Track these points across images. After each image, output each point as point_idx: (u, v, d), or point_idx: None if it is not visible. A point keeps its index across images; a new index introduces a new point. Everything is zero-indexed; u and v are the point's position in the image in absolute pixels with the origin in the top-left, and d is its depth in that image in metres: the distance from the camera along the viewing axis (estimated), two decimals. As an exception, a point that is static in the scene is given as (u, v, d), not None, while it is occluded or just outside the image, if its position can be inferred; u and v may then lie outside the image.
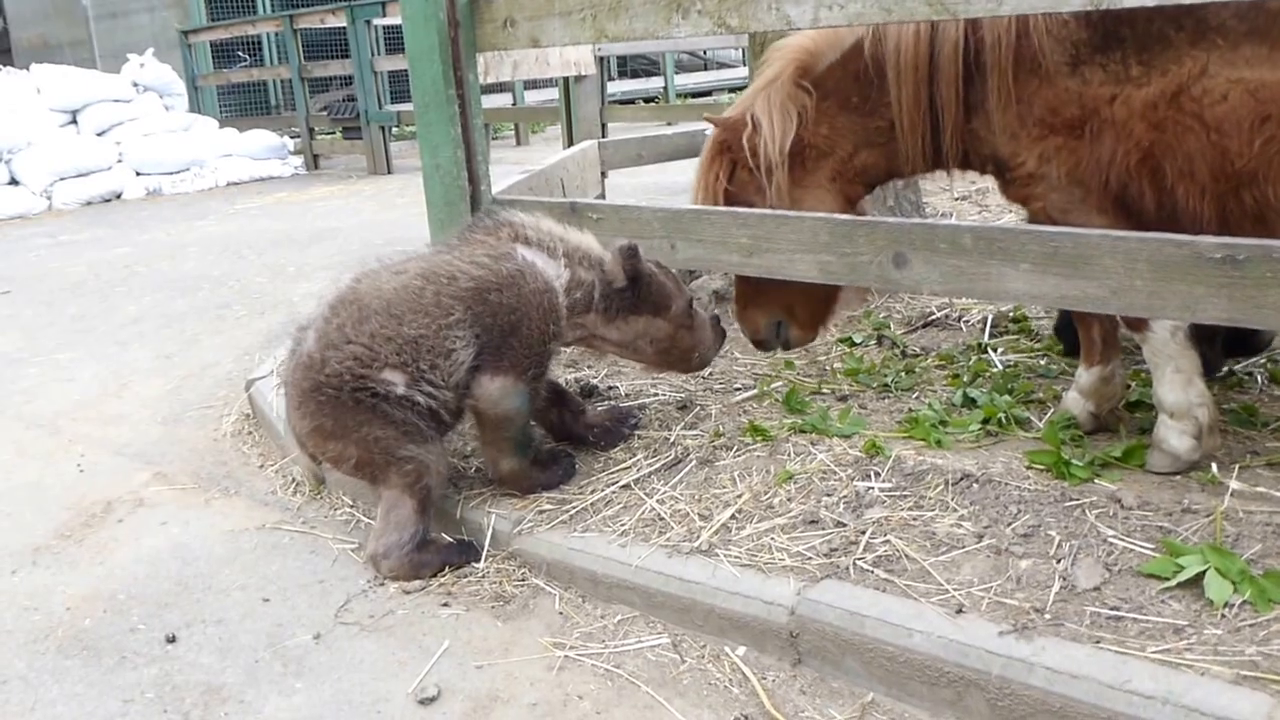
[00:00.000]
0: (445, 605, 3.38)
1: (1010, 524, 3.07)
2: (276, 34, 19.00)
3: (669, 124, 14.58)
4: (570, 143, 7.15)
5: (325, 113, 17.46)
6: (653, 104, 20.44)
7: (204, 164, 15.73)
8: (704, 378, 4.42)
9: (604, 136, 10.43)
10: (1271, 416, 3.65)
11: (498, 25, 4.24)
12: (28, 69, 16.06)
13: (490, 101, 18.04)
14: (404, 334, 3.47)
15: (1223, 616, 2.62)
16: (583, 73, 6.81)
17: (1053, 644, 2.61)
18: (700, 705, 2.84)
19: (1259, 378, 4.02)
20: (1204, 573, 2.71)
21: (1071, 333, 4.14)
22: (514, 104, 18.86)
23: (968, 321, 4.86)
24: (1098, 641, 2.59)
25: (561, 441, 3.95)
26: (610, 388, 4.39)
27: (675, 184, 10.65)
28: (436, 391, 3.51)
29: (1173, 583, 2.74)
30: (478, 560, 3.53)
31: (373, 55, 15.66)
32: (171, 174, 15.38)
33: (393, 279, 3.61)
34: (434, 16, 4.27)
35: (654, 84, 22.43)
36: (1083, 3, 2.80)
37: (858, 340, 4.76)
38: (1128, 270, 2.91)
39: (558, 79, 7.14)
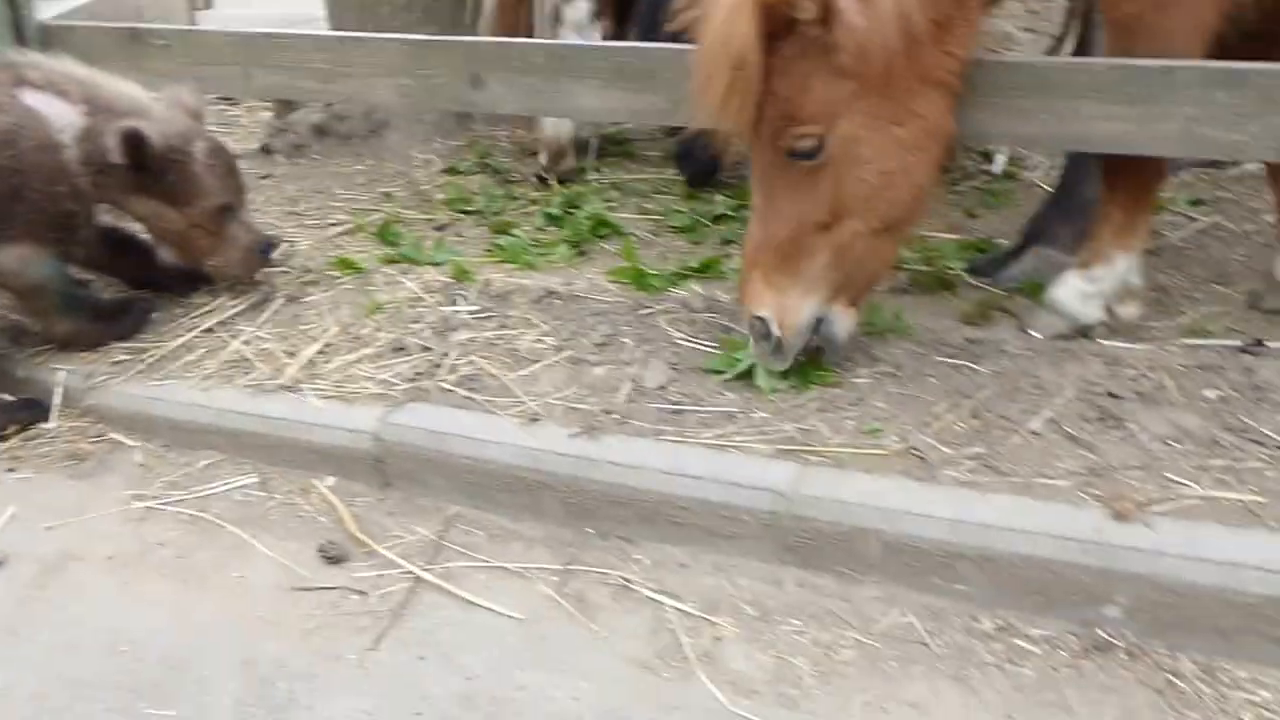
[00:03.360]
0: (11, 470, 3.21)
1: (588, 335, 3.20)
2: None
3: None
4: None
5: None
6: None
7: None
8: (295, 214, 4.31)
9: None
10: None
11: None
12: None
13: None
14: None
15: (770, 401, 2.85)
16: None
17: (618, 441, 2.77)
18: (287, 538, 2.85)
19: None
20: (755, 365, 2.92)
21: (693, 162, 4.22)
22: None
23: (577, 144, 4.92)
24: (659, 434, 2.77)
25: (144, 289, 3.74)
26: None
27: (291, 14, 10.10)
28: None
29: (729, 375, 2.94)
30: (46, 419, 3.33)
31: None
32: None
33: None
34: None
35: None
36: None
37: (461, 169, 4.74)
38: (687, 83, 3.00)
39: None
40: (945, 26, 2.59)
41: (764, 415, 2.80)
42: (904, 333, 3.04)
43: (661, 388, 2.96)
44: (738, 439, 2.72)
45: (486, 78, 3.29)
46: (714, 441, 2.72)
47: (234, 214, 3.52)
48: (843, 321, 2.83)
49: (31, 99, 3.27)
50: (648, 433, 2.79)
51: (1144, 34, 2.74)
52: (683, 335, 3.15)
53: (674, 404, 2.89)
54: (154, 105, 3.40)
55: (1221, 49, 2.77)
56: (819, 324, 2.81)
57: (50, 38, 3.92)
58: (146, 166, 3.28)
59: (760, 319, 2.79)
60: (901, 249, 2.97)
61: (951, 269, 3.43)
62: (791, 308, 2.76)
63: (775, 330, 2.78)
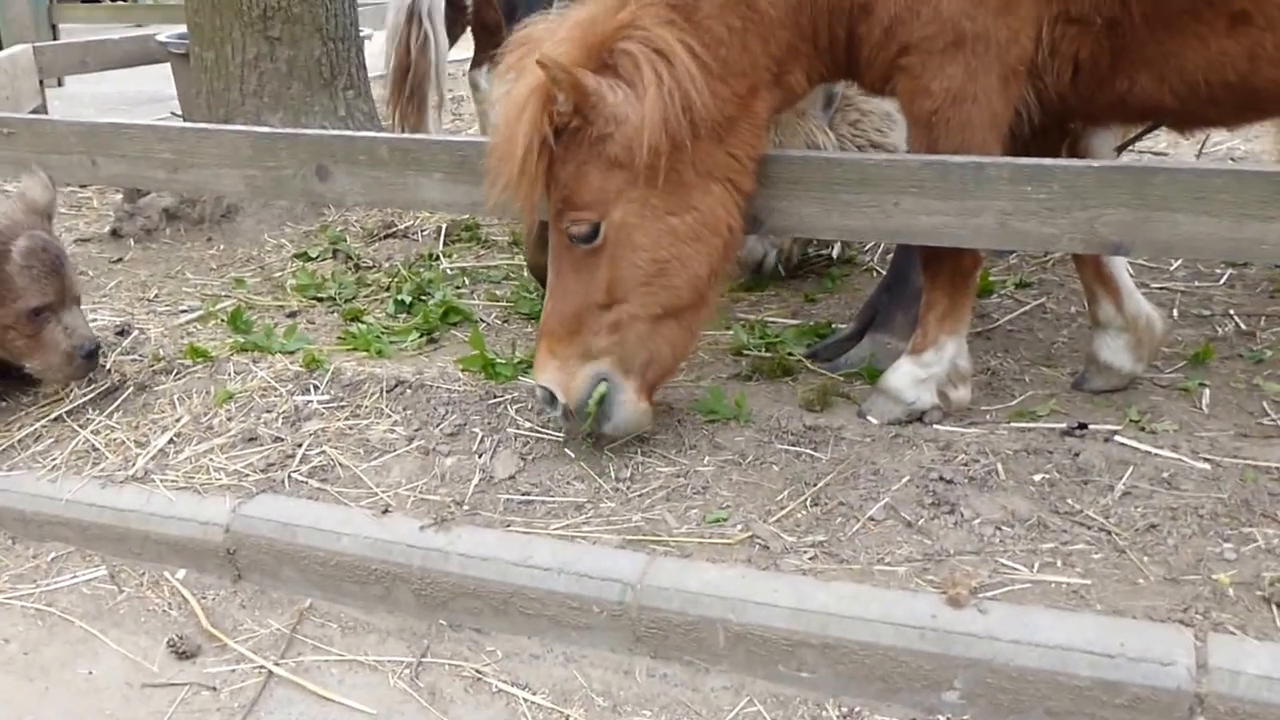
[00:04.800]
0: None
1: (439, 425, 3.24)
2: None
3: (138, 26, 13.59)
4: None
5: None
6: (120, 2, 18.89)
7: None
8: (147, 300, 4.27)
9: (55, 39, 9.59)
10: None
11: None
12: None
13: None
14: None
15: (616, 490, 2.92)
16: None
17: (468, 532, 2.82)
18: (137, 632, 2.83)
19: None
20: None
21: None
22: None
23: (424, 231, 4.96)
24: (509, 525, 2.82)
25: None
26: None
27: (139, 92, 10.00)
28: None
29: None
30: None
31: None
32: None
33: None
34: None
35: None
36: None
37: (313, 255, 4.75)
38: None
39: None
40: (727, 127, 2.82)
41: (612, 505, 2.87)
42: (746, 420, 3.14)
43: (511, 478, 3.02)
44: (586, 529, 2.78)
45: (333, 170, 3.33)
46: (563, 532, 2.78)
47: (54, 316, 3.36)
48: (626, 404, 2.93)
49: None
50: (497, 524, 2.84)
51: (943, 128, 2.93)
52: (531, 425, 3.21)
53: (523, 494, 2.95)
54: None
55: (1015, 142, 3.00)
56: (602, 401, 2.91)
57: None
58: None
59: (544, 388, 2.93)
60: (692, 337, 3.07)
61: (792, 355, 3.56)
62: (573, 379, 2.89)
63: (560, 398, 2.90)
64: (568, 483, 2.98)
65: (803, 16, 2.88)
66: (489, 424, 3.22)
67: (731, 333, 3.73)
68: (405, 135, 3.19)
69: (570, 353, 2.88)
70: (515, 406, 3.29)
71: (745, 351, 3.60)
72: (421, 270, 4.49)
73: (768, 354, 3.58)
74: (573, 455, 3.06)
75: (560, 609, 2.65)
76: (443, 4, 6.08)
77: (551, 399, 2.92)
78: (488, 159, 2.83)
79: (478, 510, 2.89)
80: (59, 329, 3.36)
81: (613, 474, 2.99)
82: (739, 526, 2.74)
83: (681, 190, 2.80)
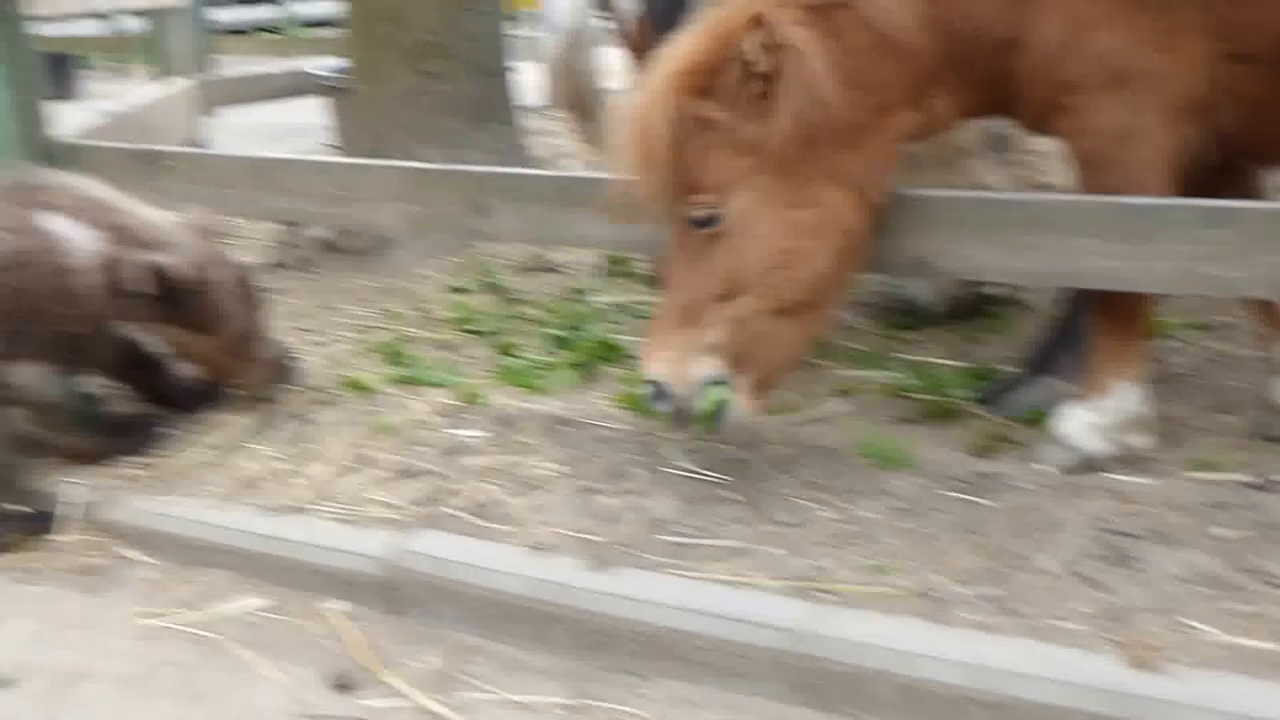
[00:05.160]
0: (23, 583, 3.20)
1: (597, 463, 3.22)
2: None
3: (288, 59, 14.00)
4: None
5: None
6: (271, 35, 19.51)
7: None
8: (304, 330, 4.35)
9: (210, 72, 9.90)
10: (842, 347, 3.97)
11: (45, -49, 3.93)
12: None
13: (78, 27, 16.52)
14: None
15: (777, 534, 2.86)
16: (174, 4, 6.43)
17: (628, 574, 2.77)
18: (295, 662, 2.83)
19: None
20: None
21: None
22: (111, 31, 17.47)
23: (575, 266, 4.98)
24: (668, 568, 2.78)
25: (155, 404, 3.77)
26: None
27: (287, 124, 10.26)
28: None
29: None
30: (49, 530, 3.32)
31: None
32: None
33: None
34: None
35: (271, 12, 21.28)
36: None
37: (466, 288, 4.79)
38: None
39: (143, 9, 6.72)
40: (858, 135, 2.80)
41: (773, 550, 2.81)
42: (910, 465, 3.06)
43: (670, 519, 2.97)
44: (748, 574, 2.72)
45: (492, 206, 3.34)
46: (723, 576, 2.73)
47: (256, 336, 3.61)
48: (737, 404, 2.87)
49: (47, 222, 3.29)
50: (657, 566, 2.80)
51: (1108, 168, 2.85)
52: (689, 466, 3.17)
53: (683, 536, 2.90)
54: (176, 232, 3.45)
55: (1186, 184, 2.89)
56: (716, 403, 2.85)
57: (63, 156, 3.96)
58: (170, 297, 3.34)
59: (652, 382, 2.88)
60: (807, 339, 2.99)
61: (955, 398, 3.46)
62: (685, 374, 2.84)
63: (669, 389, 2.85)
64: (727, 525, 2.92)
65: (945, 43, 2.82)
66: (647, 463, 3.19)
67: (890, 374, 3.65)
68: (564, 173, 3.19)
69: (683, 346, 2.84)
70: (674, 446, 3.25)
71: (906, 394, 3.51)
72: (573, 305, 4.49)
73: (930, 396, 3.48)
74: (732, 497, 3.01)
75: (721, 654, 2.59)
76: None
77: (659, 394, 2.88)
78: (618, 146, 2.86)
79: (637, 551, 2.85)
80: (261, 344, 3.62)
81: (773, 517, 2.93)
82: (906, 576, 2.65)
83: (806, 185, 2.78)
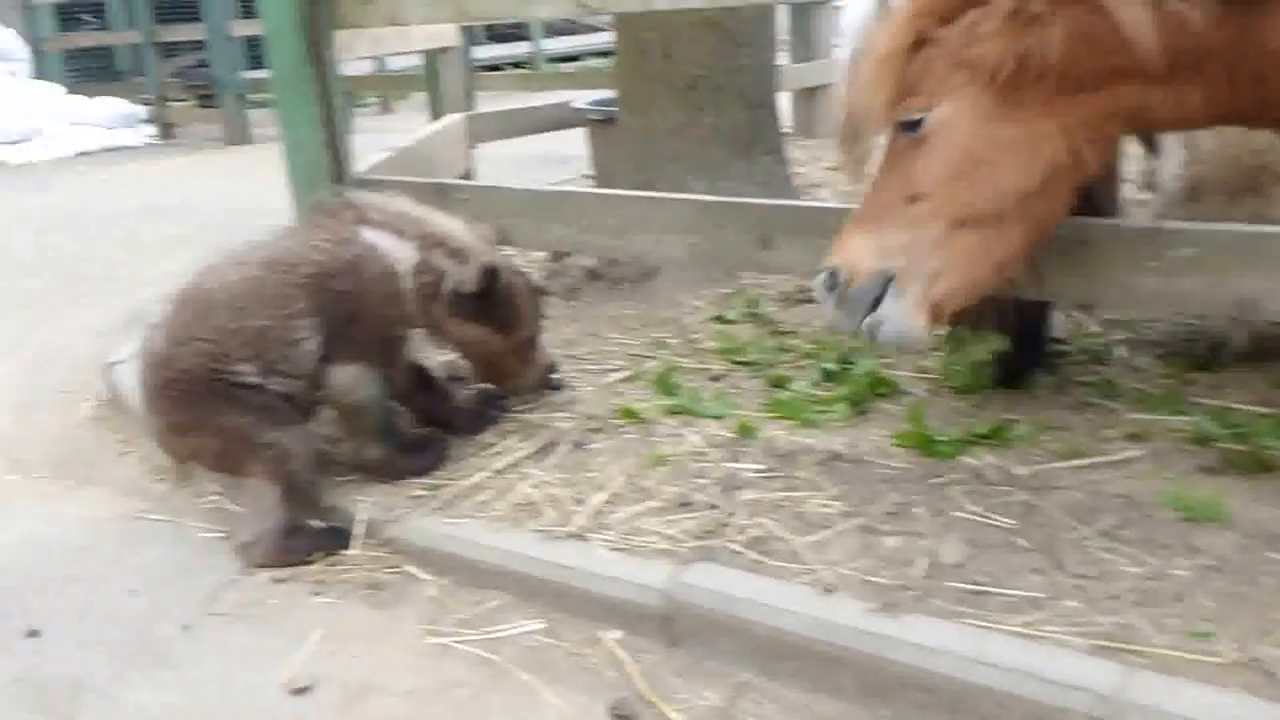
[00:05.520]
0: (317, 594, 3.33)
1: (878, 502, 3.14)
2: (125, -5, 18.16)
3: (538, 93, 14.45)
4: (436, 117, 7.03)
5: (177, 79, 16.84)
6: (521, 70, 20.19)
7: (51, 133, 15.01)
8: (574, 357, 4.41)
9: (471, 107, 10.28)
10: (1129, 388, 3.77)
11: (357, 2, 4.15)
12: None
13: (352, 68, 17.52)
14: (250, 326, 3.45)
15: (1077, 587, 2.72)
16: (446, 44, 6.69)
17: (918, 620, 2.68)
18: (576, 689, 2.85)
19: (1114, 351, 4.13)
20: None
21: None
22: (377, 71, 18.43)
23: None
24: (961, 616, 2.67)
25: (430, 426, 3.90)
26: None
27: (544, 153, 10.58)
28: (288, 382, 3.50)
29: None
30: (346, 546, 3.47)
31: (227, 19, 15.16)
32: (15, 143, 14.64)
33: (236, 270, 3.58)
34: (291, -9, 4.15)
35: (522, 48, 22.07)
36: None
37: (731, 318, 4.79)
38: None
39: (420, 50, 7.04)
40: (1081, 88, 2.73)
41: (1074, 604, 2.66)
42: (1224, 521, 2.86)
43: (959, 565, 2.86)
44: (1047, 628, 2.58)
45: (778, 239, 3.32)
46: (1021, 630, 2.60)
47: (538, 340, 3.84)
48: (903, 313, 2.83)
49: (370, 235, 3.59)
50: (948, 614, 2.69)
51: None
52: (978, 510, 3.05)
53: (974, 584, 2.79)
54: (475, 242, 3.69)
55: None
56: (877, 302, 2.84)
57: (364, 189, 4.16)
58: (489, 296, 3.58)
59: (831, 270, 2.90)
60: (985, 263, 2.86)
61: (1270, 448, 3.22)
62: (862, 265, 2.85)
63: (840, 278, 2.87)
64: (1022, 575, 2.79)
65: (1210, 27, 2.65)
66: (932, 505, 3.09)
67: (1188, 419, 3.44)
68: (854, 206, 3.13)
69: (866, 243, 2.87)
70: (959, 488, 3.14)
71: (1209, 441, 3.30)
72: (841, 337, 4.41)
73: (1238, 445, 3.26)
74: (1023, 545, 2.88)
75: (1019, 714, 2.46)
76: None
77: (832, 283, 2.89)
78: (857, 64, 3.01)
79: (926, 597, 2.75)
80: (540, 353, 3.86)
81: (1071, 569, 2.78)
82: (1231, 644, 2.46)
83: (1014, 108, 2.75)
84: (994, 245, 2.86)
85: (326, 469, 3.72)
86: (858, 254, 2.88)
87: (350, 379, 3.52)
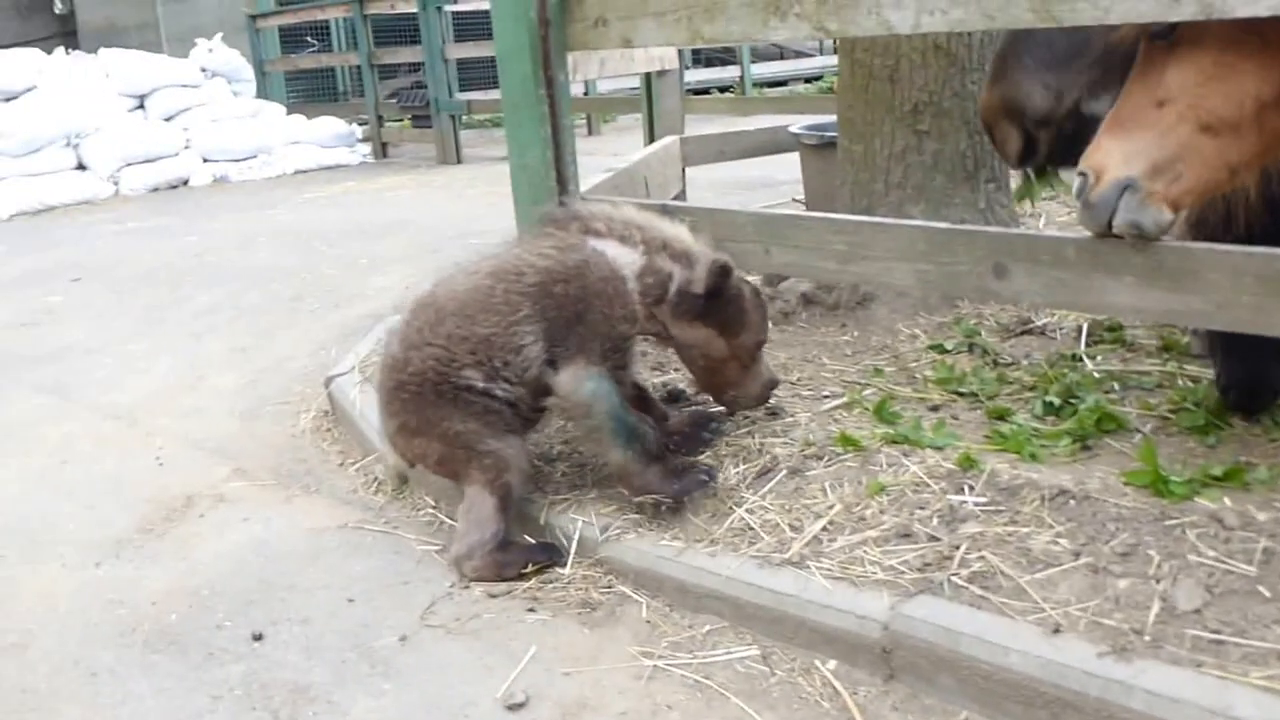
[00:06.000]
0: (531, 610, 3.41)
1: (1108, 542, 3.04)
2: (346, 19, 19.03)
3: (747, 116, 14.54)
4: (652, 138, 7.14)
5: (394, 100, 17.55)
6: (729, 94, 20.34)
7: (272, 151, 15.75)
8: (791, 383, 4.41)
9: (682, 130, 10.41)
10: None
11: (589, 24, 4.25)
12: (94, 53, 15.95)
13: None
14: (477, 333, 3.58)
15: (1334, 645, 2.58)
16: (666, 67, 6.82)
17: (1152, 666, 2.59)
18: (790, 718, 2.85)
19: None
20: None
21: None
22: (586, 93, 18.84)
23: (1062, 329, 4.79)
24: (1198, 665, 2.57)
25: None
26: (697, 392, 4.34)
27: (750, 177, 10.63)
28: (512, 388, 3.61)
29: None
30: (561, 563, 3.56)
31: (443, 42, 15.74)
32: (239, 161, 15.45)
33: (466, 279, 3.74)
34: (524, 15, 4.28)
35: (729, 73, 22.23)
36: (1194, 10, 2.75)
37: (949, 348, 4.72)
38: (1234, 285, 2.88)
39: (639, 73, 7.19)
40: None
41: (1325, 660, 2.54)
42: None
43: (1196, 611, 2.75)
44: (1296, 683, 2.47)
45: (1012, 268, 3.26)
46: (1264, 683, 2.49)
47: (762, 351, 3.83)
48: (1149, 207, 2.92)
49: (596, 242, 3.70)
50: (1185, 661, 2.59)
51: None
52: (1215, 554, 2.93)
53: (1212, 632, 2.68)
54: (700, 247, 3.75)
55: None
56: (1123, 193, 2.92)
57: (585, 208, 4.27)
58: (717, 296, 3.63)
59: (1082, 174, 2.98)
60: (1221, 166, 2.94)
61: None
62: (1109, 168, 2.93)
63: (1089, 181, 2.95)
64: (1266, 625, 2.66)
65: None
66: (1165, 547, 2.98)
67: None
68: (1094, 236, 3.05)
69: (1114, 146, 2.95)
70: (1195, 531, 3.02)
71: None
72: (1065, 371, 4.31)
73: None
74: (1268, 595, 2.75)
75: (1265, 772, 2.37)
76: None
77: (1081, 189, 2.98)
78: None
79: (1160, 643, 2.66)
80: (764, 363, 3.85)
81: (1320, 622, 2.65)
82: None
83: (1264, 25, 2.75)
84: (1230, 150, 2.95)
85: (542, 487, 3.82)
86: (1107, 157, 2.97)
87: (573, 378, 3.56)
